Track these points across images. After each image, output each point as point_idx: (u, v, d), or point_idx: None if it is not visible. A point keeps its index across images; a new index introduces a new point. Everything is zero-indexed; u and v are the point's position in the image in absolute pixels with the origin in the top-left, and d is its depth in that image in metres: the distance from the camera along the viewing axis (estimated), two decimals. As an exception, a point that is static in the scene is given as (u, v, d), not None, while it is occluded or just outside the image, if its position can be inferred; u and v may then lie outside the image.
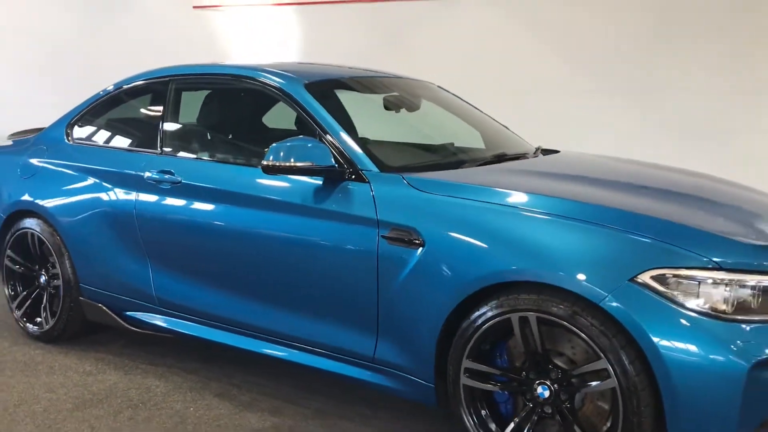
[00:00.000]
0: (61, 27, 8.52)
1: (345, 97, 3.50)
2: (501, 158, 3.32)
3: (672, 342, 2.15)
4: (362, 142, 2.96)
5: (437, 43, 7.52)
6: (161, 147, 3.49)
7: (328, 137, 2.93)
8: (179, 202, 3.28)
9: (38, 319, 3.91)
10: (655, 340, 2.15)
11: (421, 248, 2.57)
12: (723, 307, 2.18)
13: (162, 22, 8.32)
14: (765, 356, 2.13)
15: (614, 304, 2.20)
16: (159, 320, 3.48)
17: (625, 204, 2.55)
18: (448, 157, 3.44)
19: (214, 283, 3.22)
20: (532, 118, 7.27)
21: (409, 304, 2.62)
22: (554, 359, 2.40)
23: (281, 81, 3.19)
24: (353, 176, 2.81)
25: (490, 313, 2.43)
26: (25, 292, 3.98)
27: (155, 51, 7.95)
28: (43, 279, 3.90)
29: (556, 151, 3.82)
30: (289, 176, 2.89)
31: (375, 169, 2.81)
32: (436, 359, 2.59)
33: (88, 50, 8.23)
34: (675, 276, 2.20)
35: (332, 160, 2.80)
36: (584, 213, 2.41)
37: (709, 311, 2.17)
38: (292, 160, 2.76)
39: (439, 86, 4.22)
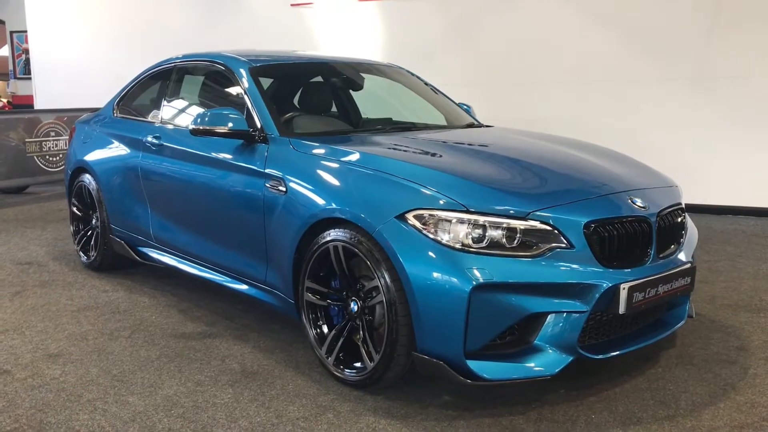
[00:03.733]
0: (180, 23, 9.98)
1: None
2: (407, 128, 3.95)
3: (417, 266, 2.71)
4: (276, 114, 3.71)
5: (504, 34, 7.98)
6: (159, 117, 4.47)
7: (251, 108, 3.72)
8: (162, 159, 4.24)
9: (89, 252, 5.08)
10: (406, 265, 2.73)
11: (284, 194, 3.30)
12: (466, 241, 2.71)
13: (265, 19, 9.45)
14: (488, 281, 2.63)
15: (382, 235, 2.80)
16: (155, 254, 4.47)
17: (445, 164, 3.12)
18: (360, 126, 4.12)
19: (179, 222, 4.15)
20: (595, 106, 7.52)
21: (279, 238, 3.35)
22: (363, 282, 3.03)
23: (232, 64, 4.03)
24: (261, 139, 3.58)
25: (317, 244, 3.11)
26: (82, 231, 5.17)
27: (259, 44, 9.15)
28: (94, 221, 5.06)
29: (489, 126, 4.32)
30: (216, 137, 3.71)
31: (276, 134, 3.56)
32: (293, 281, 3.31)
33: (202, 44, 9.54)
34: (431, 215, 2.76)
35: (246, 125, 3.59)
36: (387, 167, 3.02)
37: (452, 244, 2.70)
38: (213, 125, 3.58)
39: (407, 70, 4.83)
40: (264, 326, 3.82)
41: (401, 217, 2.79)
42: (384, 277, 2.81)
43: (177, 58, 4.66)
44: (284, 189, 3.30)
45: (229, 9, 9.71)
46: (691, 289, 3.15)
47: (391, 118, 4.42)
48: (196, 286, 4.52)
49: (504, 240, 2.72)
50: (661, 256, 3.02)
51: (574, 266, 2.75)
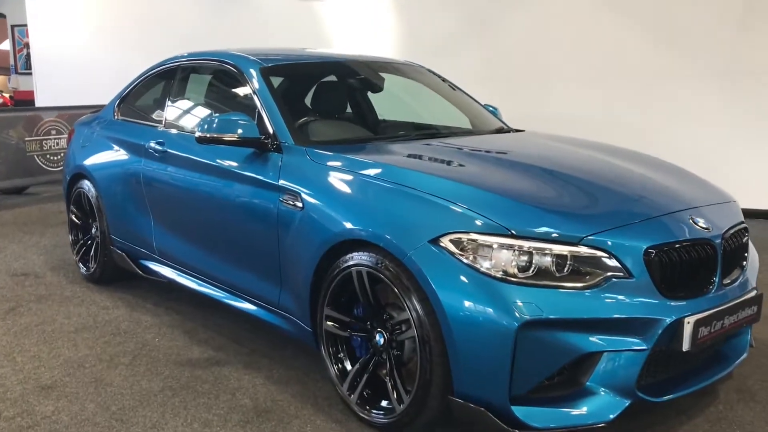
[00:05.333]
0: (185, 16, 9.63)
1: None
2: (431, 134, 3.61)
3: (455, 298, 2.38)
4: (290, 119, 3.36)
5: (524, 28, 7.62)
6: (163, 121, 4.14)
7: (263, 113, 3.39)
8: (165, 167, 3.90)
9: (89, 263, 4.75)
10: (441, 296, 2.40)
11: (300, 210, 2.97)
12: (510, 270, 2.37)
13: (274, 14, 9.11)
14: (537, 317, 2.30)
15: (413, 261, 2.46)
16: (158, 268, 4.14)
17: (480, 178, 2.78)
18: (380, 131, 3.78)
19: (184, 235, 3.82)
20: (619, 103, 7.17)
21: (295, 258, 3.02)
22: (391, 312, 2.70)
23: (242, 63, 3.69)
24: (274, 147, 3.25)
25: (338, 268, 2.77)
26: (81, 240, 4.85)
27: (268, 39, 8.81)
28: (94, 230, 4.73)
29: (520, 131, 3.98)
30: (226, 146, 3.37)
31: (291, 142, 3.23)
32: (311, 307, 2.97)
33: (208, 39, 9.20)
34: (469, 240, 2.42)
35: (258, 132, 3.25)
36: (418, 182, 2.68)
37: (495, 273, 2.37)
38: (221, 132, 3.25)
39: (428, 69, 4.48)
40: (276, 352, 3.49)
41: (435, 242, 2.46)
42: (416, 310, 2.48)
43: (182, 56, 4.32)
44: (301, 204, 2.96)
45: (236, 3, 9.36)
46: (757, 320, 2.81)
47: (412, 122, 4.08)
48: (201, 302, 4.19)
49: (553, 268, 2.38)
50: (725, 283, 2.68)
51: (633, 298, 2.41)
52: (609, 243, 2.43)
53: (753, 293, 2.78)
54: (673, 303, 2.47)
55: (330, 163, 3.02)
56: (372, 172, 2.85)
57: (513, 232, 2.41)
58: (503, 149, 3.37)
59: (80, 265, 4.82)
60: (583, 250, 2.40)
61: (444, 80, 4.44)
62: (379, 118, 4.35)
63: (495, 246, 2.40)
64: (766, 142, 6.72)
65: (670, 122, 7.03)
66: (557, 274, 2.39)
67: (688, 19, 6.82)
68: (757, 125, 6.72)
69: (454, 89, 4.39)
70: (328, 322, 2.87)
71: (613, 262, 2.41)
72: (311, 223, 2.91)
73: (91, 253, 4.73)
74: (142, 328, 3.86)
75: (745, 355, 2.89)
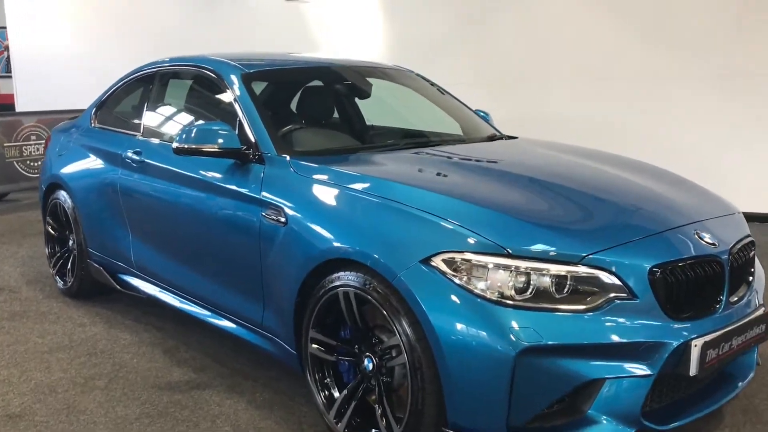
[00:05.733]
0: (170, 18, 9.42)
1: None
2: (422, 143, 3.45)
3: (448, 323, 2.23)
4: (273, 128, 3.19)
5: (517, 29, 7.48)
6: (141, 129, 3.96)
7: (244, 121, 3.22)
8: (143, 178, 3.73)
9: (66, 277, 4.56)
10: (433, 319, 2.24)
11: (284, 225, 2.80)
12: (507, 292, 2.22)
13: (260, 15, 8.92)
14: (536, 343, 2.15)
15: (403, 282, 2.31)
16: (137, 282, 3.96)
17: (473, 191, 2.63)
18: (368, 139, 3.62)
19: (163, 250, 3.65)
20: (614, 105, 7.04)
21: (278, 276, 2.86)
22: (381, 335, 2.54)
23: (222, 69, 3.52)
24: (256, 158, 3.08)
25: (323, 288, 2.61)
26: (58, 253, 4.66)
27: (254, 42, 8.62)
28: (71, 242, 4.54)
29: (513, 138, 3.83)
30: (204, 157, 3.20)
31: (273, 152, 3.06)
32: (295, 328, 2.81)
33: (194, 41, 8.99)
34: (463, 260, 2.26)
35: (239, 142, 3.08)
36: (409, 197, 2.52)
37: (490, 295, 2.22)
38: (199, 143, 3.07)
39: (418, 74, 4.32)
40: (260, 372, 3.33)
41: (427, 261, 2.30)
42: (406, 334, 2.33)
43: (160, 61, 4.14)
44: (284, 219, 2.80)
45: (222, 4, 9.17)
46: (766, 338, 2.67)
47: (402, 129, 3.92)
48: (183, 318, 4.00)
49: (552, 289, 2.23)
50: (732, 301, 2.53)
51: (638, 321, 2.27)
52: (611, 262, 2.28)
53: (761, 311, 2.64)
54: (678, 325, 2.33)
55: (315, 176, 2.85)
56: (359, 185, 2.69)
57: (509, 251, 2.26)
58: (496, 159, 3.22)
59: (57, 278, 4.63)
60: (584, 270, 2.26)
61: (433, 85, 4.28)
62: (368, 124, 4.20)
63: (490, 266, 2.24)
64: (764, 143, 6.60)
65: (667, 124, 6.91)
66: (557, 296, 2.24)
67: (684, 17, 6.69)
68: (755, 127, 6.60)
69: (443, 94, 4.24)
70: (314, 345, 2.71)
71: (615, 283, 2.26)
72: (295, 239, 2.74)
73: (68, 266, 4.54)
74: (120, 347, 3.68)
75: (752, 375, 2.75)
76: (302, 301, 2.74)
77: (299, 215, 2.75)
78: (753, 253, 2.76)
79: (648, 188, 2.89)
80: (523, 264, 2.24)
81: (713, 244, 2.50)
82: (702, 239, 2.49)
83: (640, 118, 7.00)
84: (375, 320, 2.52)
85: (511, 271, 2.23)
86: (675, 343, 2.28)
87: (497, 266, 2.24)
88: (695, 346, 2.31)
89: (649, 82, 6.89)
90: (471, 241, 2.29)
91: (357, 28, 8.47)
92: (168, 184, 3.52)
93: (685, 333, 2.32)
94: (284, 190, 2.88)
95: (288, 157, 3.01)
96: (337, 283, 2.55)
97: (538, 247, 2.28)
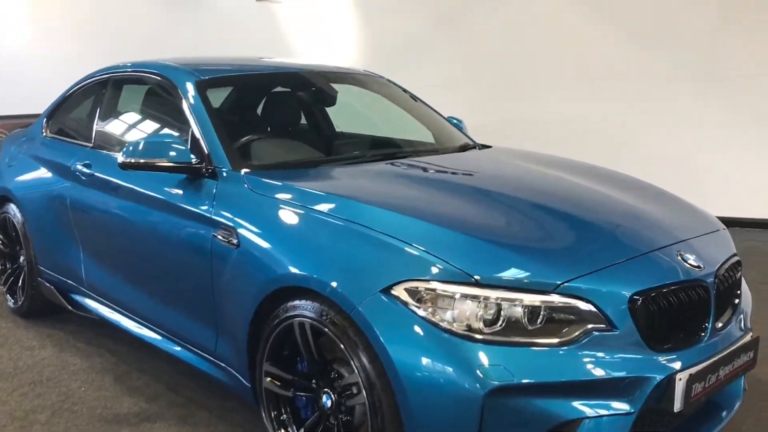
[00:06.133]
0: (142, 20, 9.13)
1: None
2: (391, 154, 3.24)
3: (412, 359, 2.03)
4: (228, 140, 2.97)
5: (494, 29, 7.30)
6: (92, 140, 3.71)
7: (197, 133, 2.99)
8: (93, 192, 3.48)
9: (16, 295, 4.30)
10: (394, 355, 2.04)
11: (236, 248, 2.58)
12: (475, 324, 2.02)
13: (230, 16, 8.67)
14: (507, 382, 1.95)
15: (362, 314, 2.10)
16: (89, 303, 3.72)
17: (440, 211, 2.43)
18: (334, 150, 3.40)
19: (114, 269, 3.41)
20: (594, 107, 6.89)
21: (230, 303, 2.64)
22: (340, 369, 2.33)
23: (175, 76, 3.29)
24: (208, 173, 2.85)
25: (278, 318, 2.39)
26: (9, 270, 4.40)
27: (220, 43, 8.36)
28: (21, 259, 4.28)
29: (487, 147, 3.63)
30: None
31: (228, 167, 2.83)
32: (249, 359, 2.59)
33: (165, 43, 8.70)
34: (427, 289, 2.06)
35: (191, 156, 2.86)
36: (371, 219, 2.32)
37: (457, 329, 2.02)
38: (148, 157, 2.84)
39: (389, 80, 4.12)
40: (215, 402, 3.10)
41: (388, 291, 2.10)
42: (365, 370, 2.12)
43: (113, 67, 3.90)
44: (236, 241, 2.58)
45: (191, 5, 8.90)
46: (754, 366, 2.49)
47: (371, 138, 3.72)
48: (139, 340, 3.77)
49: (525, 320, 2.04)
50: (717, 327, 2.35)
51: (618, 354, 2.08)
52: (589, 290, 2.09)
53: (748, 337, 2.46)
54: (661, 357, 2.14)
55: (270, 194, 2.63)
56: (318, 205, 2.47)
57: (477, 278, 2.06)
58: (467, 173, 3.02)
59: (8, 296, 4.37)
60: (559, 299, 2.06)
61: (405, 91, 4.08)
62: (336, 132, 3.98)
63: (457, 296, 2.04)
64: (749, 146, 6.47)
65: (648, 126, 6.76)
66: (529, 327, 2.05)
67: (667, 18, 6.55)
68: (739, 129, 6.47)
69: (416, 101, 4.03)
70: (268, 379, 2.49)
71: (593, 312, 2.07)
72: (248, 264, 2.52)
73: (19, 284, 4.28)
74: (68, 374, 3.43)
75: (739, 403, 2.57)
76: (256, 330, 2.52)
77: (253, 237, 2.54)
78: (740, 273, 2.59)
79: (627, 204, 2.70)
80: (492, 294, 2.04)
81: (698, 266, 2.31)
82: (686, 261, 2.31)
83: (623, 120, 6.85)
84: (334, 353, 2.31)
85: (479, 302, 2.03)
86: (658, 378, 2.09)
87: (464, 296, 2.04)
88: (680, 380, 2.12)
89: (633, 84, 6.74)
90: (436, 268, 2.09)
91: (330, 29, 8.25)
92: (117, 199, 3.29)
93: (668, 366, 2.13)
94: (237, 208, 2.66)
95: (242, 172, 2.78)
96: (292, 312, 2.34)
97: (510, 274, 2.09)
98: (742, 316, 2.52)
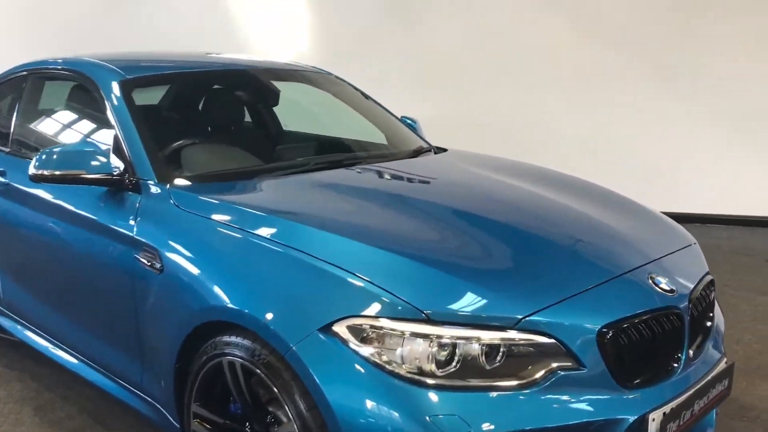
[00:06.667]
0: (83, 11, 8.64)
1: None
2: (339, 161, 2.97)
3: (355, 408, 1.78)
4: (155, 148, 2.66)
5: (454, 25, 7.04)
6: (9, 144, 3.36)
7: (121, 139, 2.68)
8: (7, 204, 3.14)
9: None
10: (334, 403, 1.79)
11: (160, 273, 2.29)
12: (426, 366, 1.78)
13: (173, 6, 8.24)
14: (465, 436, 1.71)
15: (298, 357, 1.84)
16: (7, 323, 3.38)
17: (390, 233, 2.18)
18: (276, 158, 3.12)
19: (32, 288, 3.10)
20: (550, 105, 6.71)
21: (155, 334, 2.36)
22: (278, 412, 2.06)
23: (97, 74, 2.97)
24: (132, 185, 2.55)
25: (206, 354, 2.12)
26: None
27: (167, 36, 7.93)
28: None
29: (443, 151, 3.38)
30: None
31: (153, 178, 2.53)
32: (177, 398, 2.31)
33: (102, 34, 8.27)
34: (373, 327, 1.81)
35: (110, 167, 2.55)
36: (310, 244, 2.05)
37: (406, 372, 1.78)
38: (63, 168, 2.52)
39: (340, 78, 3.84)
40: (148, 435, 2.81)
41: (328, 329, 1.84)
42: (302, 418, 1.87)
43: (33, 63, 3.55)
44: (159, 265, 2.29)
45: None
46: (728, 395, 2.31)
47: (317, 141, 3.44)
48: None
49: (482, 359, 1.80)
50: (690, 356, 2.15)
51: (585, 395, 1.87)
52: (553, 324, 1.86)
53: (723, 363, 2.27)
54: (632, 395, 1.93)
55: (199, 212, 2.34)
56: (252, 227, 2.19)
57: (428, 314, 1.81)
58: (421, 184, 2.78)
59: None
60: (521, 336, 1.83)
61: (357, 90, 3.80)
62: (280, 135, 3.69)
63: (406, 335, 1.79)
64: (705, 144, 6.38)
65: (604, 126, 6.62)
66: (487, 367, 1.81)
67: (625, 13, 6.39)
68: (695, 127, 6.38)
69: (367, 100, 3.76)
70: (197, 422, 2.21)
71: (558, 349, 1.85)
72: (172, 292, 2.24)
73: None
74: (-18, 405, 3.10)
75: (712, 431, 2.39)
76: (184, 366, 2.24)
77: (178, 261, 2.25)
78: (713, 294, 2.39)
79: (592, 218, 2.49)
80: (446, 332, 1.80)
81: (671, 291, 2.10)
82: (657, 285, 2.10)
83: (579, 118, 6.69)
84: (271, 394, 2.04)
85: (431, 342, 1.79)
86: (630, 419, 1.88)
87: (414, 335, 1.79)
88: (653, 420, 1.92)
89: (588, 81, 6.58)
90: (382, 303, 1.84)
91: (282, 21, 7.89)
92: (34, 212, 2.97)
93: (640, 405, 1.93)
94: (162, 228, 2.37)
95: (168, 186, 2.49)
96: (221, 350, 2.06)
97: (465, 308, 1.85)
98: (716, 340, 2.33)
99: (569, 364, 1.85)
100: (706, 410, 2.16)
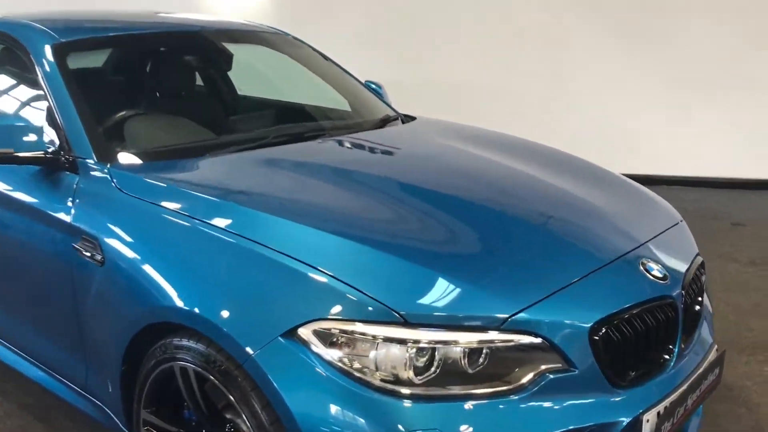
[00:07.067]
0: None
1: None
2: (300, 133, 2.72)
3: (322, 422, 1.59)
4: (93, 121, 2.38)
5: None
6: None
7: (55, 111, 2.39)
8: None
9: None
10: (299, 417, 1.59)
11: (101, 266, 2.04)
12: (403, 374, 1.59)
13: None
14: (445, 452, 1.54)
15: (259, 366, 1.63)
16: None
17: (358, 219, 1.96)
18: (231, 129, 2.86)
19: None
20: (516, 63, 6.50)
21: (99, 333, 2.12)
22: (237, 419, 1.85)
23: (26, 36, 2.65)
24: (68, 164, 2.28)
25: (155, 358, 1.89)
26: None
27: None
28: None
29: (411, 119, 3.15)
30: None
31: (92, 157, 2.26)
32: (125, 402, 2.09)
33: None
34: (342, 331, 1.61)
35: (45, 144, 2.27)
36: (270, 235, 1.83)
37: (379, 382, 1.59)
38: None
39: (300, 40, 3.55)
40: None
41: (292, 335, 1.63)
42: (264, 431, 1.66)
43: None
44: (100, 257, 2.04)
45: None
46: (719, 383, 2.18)
47: (277, 108, 3.18)
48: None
49: (465, 362, 1.62)
50: (683, 348, 2.00)
51: (578, 399, 1.70)
52: (542, 323, 1.68)
53: (713, 352, 2.14)
54: (624, 395, 1.77)
55: (144, 197, 2.08)
56: (203, 214, 1.95)
57: (404, 315, 1.61)
58: (390, 160, 2.56)
59: None
60: (507, 337, 1.65)
61: (317, 52, 3.53)
62: (239, 96, 3.42)
63: (380, 340, 1.60)
64: (666, 103, 6.26)
65: (570, 86, 6.45)
66: (470, 371, 1.63)
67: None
68: (655, 85, 6.25)
69: (328, 62, 3.50)
70: (147, 429, 2.00)
71: (548, 350, 1.67)
72: (116, 288, 2.00)
73: None
74: None
75: (699, 420, 2.27)
76: (132, 369, 2.01)
77: (121, 253, 2.00)
78: (704, 277, 2.25)
79: (576, 197, 2.30)
80: (424, 336, 1.60)
81: (663, 279, 1.94)
82: (650, 272, 1.94)
83: (539, 78, 6.50)
84: (230, 402, 1.84)
85: (408, 347, 1.59)
86: (624, 421, 1.73)
87: (389, 340, 1.60)
88: (647, 421, 1.77)
89: (548, 42, 6.38)
90: (352, 303, 1.64)
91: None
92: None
93: (633, 405, 1.78)
94: (102, 214, 2.12)
95: (109, 165, 2.22)
96: (172, 353, 1.84)
97: (445, 307, 1.66)
98: (706, 327, 2.19)
99: (559, 365, 1.68)
100: (698, 403, 2.03)
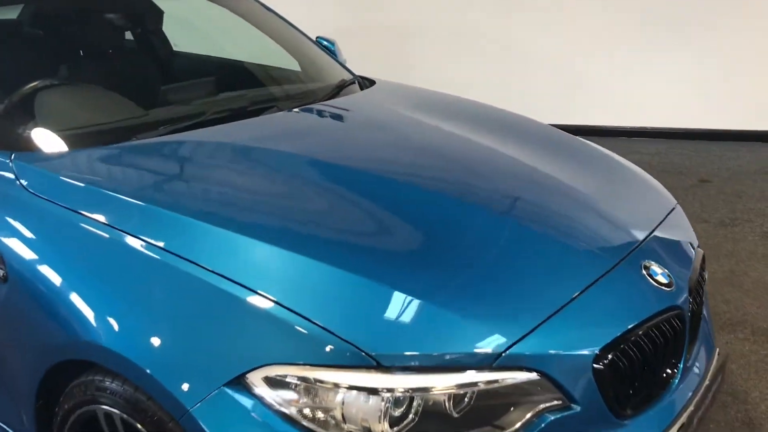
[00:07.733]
0: None
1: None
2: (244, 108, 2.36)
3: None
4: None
5: None
6: None
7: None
8: None
9: None
10: (253, 491, 1.30)
11: (4, 283, 1.69)
12: (376, 427, 1.31)
13: None
14: None
15: (198, 423, 1.32)
16: None
17: (312, 226, 1.64)
18: (165, 99, 2.47)
19: None
20: (469, 12, 6.16)
21: (8, 364, 1.77)
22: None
23: None
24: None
25: (73, 400, 1.57)
26: None
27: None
28: None
29: (371, 84, 2.81)
30: None
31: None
32: (42, 437, 1.77)
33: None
34: (300, 378, 1.31)
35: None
36: (205, 248, 1.50)
37: (348, 441, 1.30)
38: None
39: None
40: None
41: (239, 383, 1.33)
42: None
43: None
44: (2, 273, 1.68)
45: None
46: (722, 388, 1.96)
47: (216, 71, 2.80)
48: None
49: (449, 406, 1.35)
50: (687, 359, 1.78)
51: (579, 439, 1.44)
52: (538, 356, 1.41)
53: (716, 358, 1.92)
54: (630, 425, 1.53)
55: (55, 199, 1.71)
56: (129, 225, 1.60)
57: (375, 357, 1.32)
58: (350, 144, 2.21)
59: None
60: (499, 376, 1.37)
61: (260, 3, 3.13)
62: (173, 55, 3.01)
63: (343, 388, 1.31)
64: (626, 53, 6.02)
65: (518, 31, 6.15)
66: (455, 414, 1.36)
67: None
68: (616, 33, 5.99)
69: (274, 16, 3.10)
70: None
71: (546, 386, 1.41)
72: (22, 312, 1.65)
73: None
74: None
75: None
76: (49, 404, 1.69)
77: (27, 269, 1.65)
78: (706, 274, 2.01)
79: (564, 184, 2.02)
80: (401, 383, 1.32)
81: (668, 284, 1.69)
82: (653, 278, 1.68)
83: (496, 29, 6.18)
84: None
85: (382, 397, 1.31)
86: None
87: (359, 390, 1.31)
88: None
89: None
90: (311, 342, 1.34)
91: None
92: None
93: (639, 435, 1.54)
94: (4, 220, 1.74)
95: (13, 157, 1.84)
96: (93, 395, 1.52)
97: (426, 345, 1.36)
98: (708, 330, 1.97)
99: (559, 402, 1.42)
100: (702, 419, 1.81)
